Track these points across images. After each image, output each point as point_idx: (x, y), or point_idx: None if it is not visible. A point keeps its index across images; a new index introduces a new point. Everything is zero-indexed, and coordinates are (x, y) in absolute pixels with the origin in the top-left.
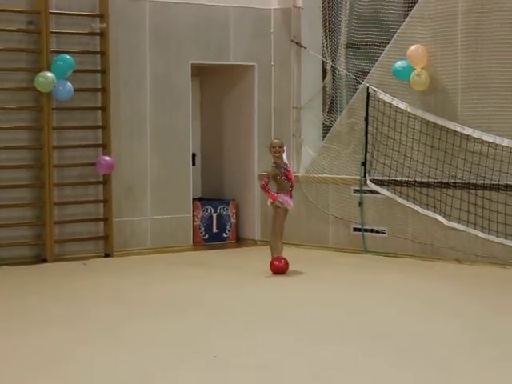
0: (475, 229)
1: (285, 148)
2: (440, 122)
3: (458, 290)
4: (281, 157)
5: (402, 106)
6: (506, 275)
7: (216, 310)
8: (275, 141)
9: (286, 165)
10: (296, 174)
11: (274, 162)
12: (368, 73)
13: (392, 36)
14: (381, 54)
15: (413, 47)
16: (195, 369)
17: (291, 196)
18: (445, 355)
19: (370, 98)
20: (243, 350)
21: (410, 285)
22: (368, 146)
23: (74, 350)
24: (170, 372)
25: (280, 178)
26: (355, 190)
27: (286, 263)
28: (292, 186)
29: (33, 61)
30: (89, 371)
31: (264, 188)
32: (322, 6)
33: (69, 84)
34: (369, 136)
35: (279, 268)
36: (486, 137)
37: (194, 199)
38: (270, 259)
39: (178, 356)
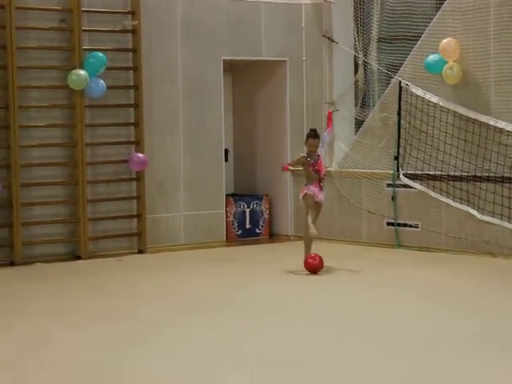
0: (509, 222)
1: (323, 140)
2: (473, 115)
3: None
4: (315, 151)
5: (435, 99)
6: None
7: (252, 307)
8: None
9: (318, 156)
10: (329, 169)
11: (307, 153)
12: (400, 67)
13: (424, 30)
14: (413, 47)
15: (445, 41)
16: (231, 366)
17: (321, 188)
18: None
19: (403, 92)
20: (278, 347)
21: (444, 280)
22: (401, 140)
23: (116, 349)
24: (209, 370)
25: (308, 169)
26: (388, 185)
27: (321, 261)
28: (321, 179)
29: (65, 59)
30: (130, 369)
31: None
32: (354, 1)
33: (101, 81)
34: (401, 130)
35: (314, 266)
36: None
37: (226, 195)
38: (304, 257)
39: (214, 354)
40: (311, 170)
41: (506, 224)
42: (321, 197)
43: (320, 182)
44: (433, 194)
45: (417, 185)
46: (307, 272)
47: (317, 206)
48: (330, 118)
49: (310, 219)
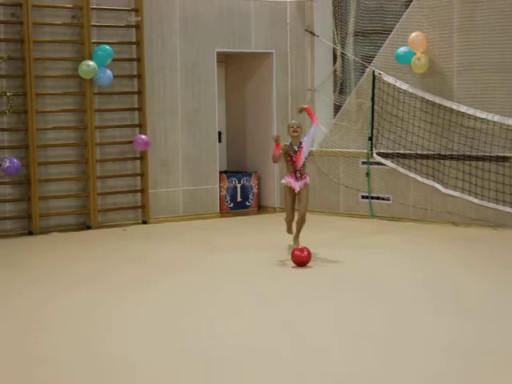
0: (470, 195)
1: (309, 133)
2: (438, 100)
3: (457, 249)
4: (298, 137)
5: (404, 87)
6: (498, 236)
7: (226, 267)
8: (292, 121)
9: (300, 145)
10: (310, 149)
11: (290, 142)
12: (374, 58)
13: (395, 24)
14: (385, 40)
15: (413, 34)
16: (200, 315)
17: (296, 178)
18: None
19: (376, 80)
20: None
21: (412, 244)
22: (374, 122)
23: (101, 304)
24: (189, 319)
25: (286, 159)
26: (363, 162)
27: (309, 254)
28: (296, 170)
29: (76, 51)
30: (114, 322)
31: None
32: None
33: (108, 71)
34: (375, 114)
35: (301, 259)
36: (479, 113)
37: (220, 172)
38: (287, 229)
39: (191, 307)
40: (288, 159)
41: (466, 197)
42: (296, 186)
43: (295, 173)
44: (402, 170)
45: (388, 162)
46: (294, 265)
47: (298, 195)
48: (310, 112)
49: (286, 213)
